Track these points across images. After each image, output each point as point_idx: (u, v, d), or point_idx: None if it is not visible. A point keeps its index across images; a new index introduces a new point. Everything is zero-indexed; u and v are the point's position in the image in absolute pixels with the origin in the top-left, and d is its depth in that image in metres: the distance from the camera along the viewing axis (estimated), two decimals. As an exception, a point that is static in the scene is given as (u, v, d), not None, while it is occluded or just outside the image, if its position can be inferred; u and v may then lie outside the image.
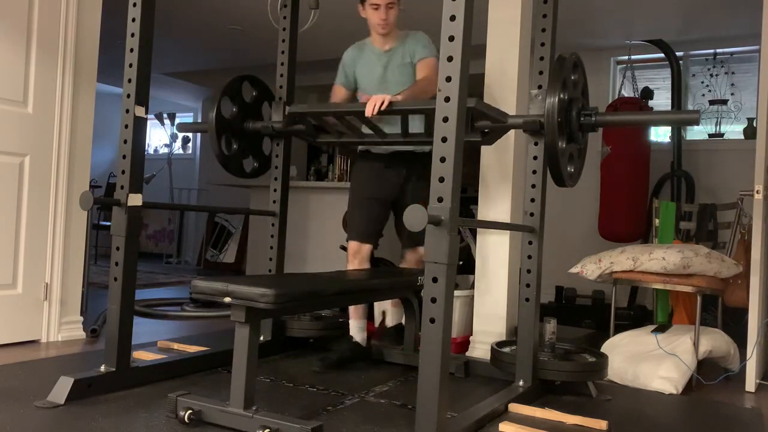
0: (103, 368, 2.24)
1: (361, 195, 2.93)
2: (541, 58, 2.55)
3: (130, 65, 2.29)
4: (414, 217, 1.63)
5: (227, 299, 1.86)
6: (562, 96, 2.20)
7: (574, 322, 3.86)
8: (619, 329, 3.12)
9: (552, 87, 2.19)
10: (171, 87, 7.88)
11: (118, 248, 2.27)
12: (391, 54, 2.82)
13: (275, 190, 3.00)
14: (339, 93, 2.94)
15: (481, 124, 2.40)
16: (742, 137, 4.91)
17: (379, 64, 2.84)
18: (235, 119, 2.81)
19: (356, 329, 2.92)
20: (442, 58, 1.69)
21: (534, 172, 2.49)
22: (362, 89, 2.88)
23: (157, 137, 8.73)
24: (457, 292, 3.03)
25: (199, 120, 8.60)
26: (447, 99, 1.67)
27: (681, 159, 4.95)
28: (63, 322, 3.09)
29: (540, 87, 2.49)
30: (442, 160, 1.66)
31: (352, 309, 2.94)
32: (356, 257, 2.89)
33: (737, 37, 4.93)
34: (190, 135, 8.18)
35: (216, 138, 2.71)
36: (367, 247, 2.90)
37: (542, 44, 2.56)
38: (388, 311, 3.10)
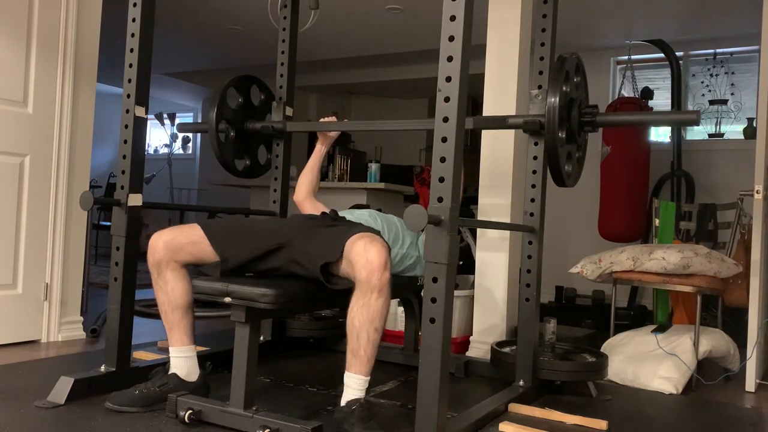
0: (103, 368, 2.24)
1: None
2: (541, 58, 2.55)
3: (130, 65, 2.29)
4: (414, 216, 1.62)
5: (227, 299, 1.86)
6: (562, 96, 2.20)
7: (574, 322, 3.85)
8: (619, 329, 3.12)
9: (552, 87, 2.19)
10: (171, 87, 7.88)
11: (118, 248, 2.26)
12: None
13: (275, 190, 3.00)
14: None
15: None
16: (742, 137, 4.91)
17: None
18: (235, 119, 2.81)
19: (176, 359, 2.10)
20: (442, 58, 1.68)
21: (534, 172, 2.49)
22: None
23: (157, 137, 8.73)
24: (457, 292, 3.02)
25: (199, 120, 8.60)
26: (447, 99, 1.67)
27: (681, 159, 4.96)
28: (63, 322, 3.09)
29: (540, 87, 2.49)
30: (442, 160, 1.66)
31: (168, 331, 2.09)
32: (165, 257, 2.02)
33: (737, 37, 4.93)
34: (190, 135, 8.18)
35: (216, 138, 2.71)
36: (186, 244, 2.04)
37: (542, 44, 2.56)
38: None
